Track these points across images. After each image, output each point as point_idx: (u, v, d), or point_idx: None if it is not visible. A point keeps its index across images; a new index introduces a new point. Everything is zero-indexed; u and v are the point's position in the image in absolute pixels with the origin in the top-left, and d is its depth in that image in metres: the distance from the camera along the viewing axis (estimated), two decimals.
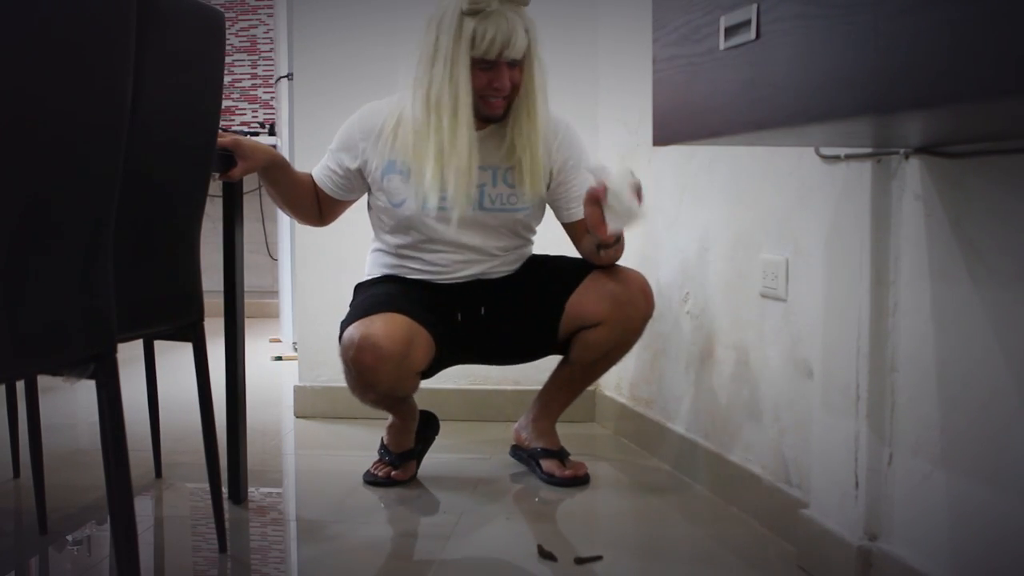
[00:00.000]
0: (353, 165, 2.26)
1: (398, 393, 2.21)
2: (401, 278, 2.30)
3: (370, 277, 2.37)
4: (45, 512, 1.97)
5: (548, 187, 2.28)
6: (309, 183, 2.31)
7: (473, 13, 2.06)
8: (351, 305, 2.28)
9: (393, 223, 2.27)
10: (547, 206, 2.34)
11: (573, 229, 2.31)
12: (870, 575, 1.59)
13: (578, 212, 2.22)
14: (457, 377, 2.82)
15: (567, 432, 2.46)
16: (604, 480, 2.36)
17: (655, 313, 2.27)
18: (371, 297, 2.22)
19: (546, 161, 2.24)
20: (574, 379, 2.36)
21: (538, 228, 2.38)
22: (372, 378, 2.10)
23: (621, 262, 2.28)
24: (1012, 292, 1.31)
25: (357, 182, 2.29)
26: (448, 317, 2.25)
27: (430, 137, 2.13)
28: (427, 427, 2.40)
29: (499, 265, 2.31)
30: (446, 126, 2.10)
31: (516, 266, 2.34)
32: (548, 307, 2.25)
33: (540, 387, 2.44)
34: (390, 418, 2.34)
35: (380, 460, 2.34)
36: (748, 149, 2.04)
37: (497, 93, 2.14)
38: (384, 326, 2.09)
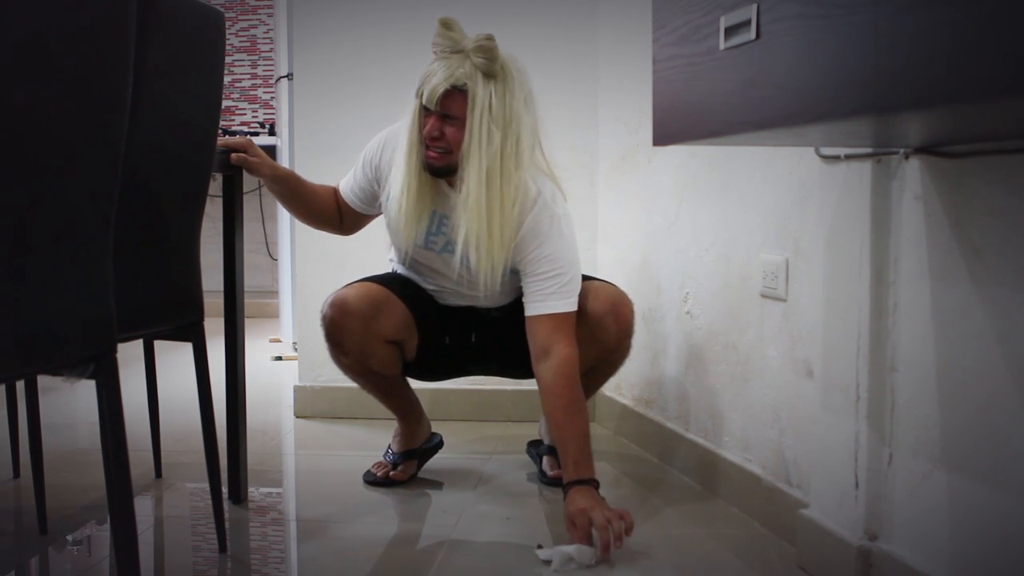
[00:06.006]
0: (375, 182, 2.24)
1: (369, 361, 2.20)
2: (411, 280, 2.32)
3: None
4: (45, 512, 1.97)
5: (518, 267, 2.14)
6: (327, 194, 2.31)
7: (435, 53, 2.05)
8: None
9: (395, 247, 2.30)
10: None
11: (527, 324, 2.08)
12: (870, 575, 1.59)
13: (529, 308, 2.06)
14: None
15: None
16: (604, 480, 2.35)
17: (655, 314, 2.26)
18: (362, 277, 2.29)
19: (511, 245, 2.05)
20: None
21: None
22: (339, 336, 2.17)
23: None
24: (1012, 292, 1.31)
25: (376, 199, 2.28)
26: (438, 336, 2.28)
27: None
28: (431, 442, 2.42)
29: (494, 298, 2.26)
30: (404, 168, 2.09)
31: (513, 297, 2.28)
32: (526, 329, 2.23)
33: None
34: (396, 426, 2.37)
35: (381, 460, 2.36)
36: (748, 149, 2.04)
37: (428, 141, 2.03)
38: (356, 290, 2.19)
